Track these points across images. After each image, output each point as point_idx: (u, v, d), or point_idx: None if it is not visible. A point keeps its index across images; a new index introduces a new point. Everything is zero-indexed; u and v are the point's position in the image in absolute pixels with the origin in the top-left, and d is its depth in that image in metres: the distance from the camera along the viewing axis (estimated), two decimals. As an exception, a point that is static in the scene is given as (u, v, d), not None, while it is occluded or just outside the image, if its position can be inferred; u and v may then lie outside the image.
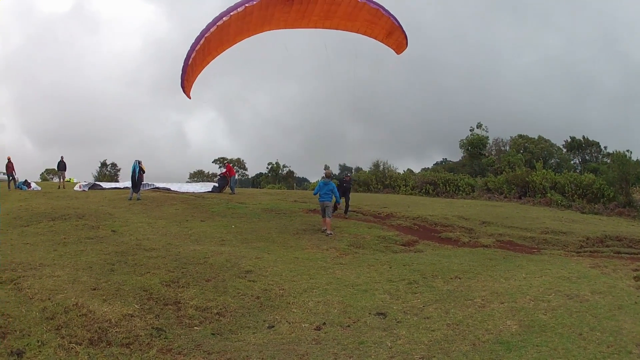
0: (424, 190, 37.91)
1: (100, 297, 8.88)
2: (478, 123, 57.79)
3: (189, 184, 39.31)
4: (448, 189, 37.30)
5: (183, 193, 30.68)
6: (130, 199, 24.61)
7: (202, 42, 15.74)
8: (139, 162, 25.75)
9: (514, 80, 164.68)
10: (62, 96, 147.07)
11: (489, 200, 32.67)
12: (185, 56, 16.05)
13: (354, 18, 17.06)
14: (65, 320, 7.66)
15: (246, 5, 15.33)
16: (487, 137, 57.65)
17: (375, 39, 18.04)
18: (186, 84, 17.01)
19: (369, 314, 8.71)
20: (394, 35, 17.77)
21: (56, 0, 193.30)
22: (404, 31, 17.54)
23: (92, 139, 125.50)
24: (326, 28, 17.52)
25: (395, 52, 18.55)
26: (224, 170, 34.21)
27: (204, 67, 17.32)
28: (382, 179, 41.23)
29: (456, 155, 71.28)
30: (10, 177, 33.17)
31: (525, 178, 33.29)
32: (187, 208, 22.35)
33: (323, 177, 19.59)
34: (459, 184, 37.43)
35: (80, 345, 6.97)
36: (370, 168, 44.83)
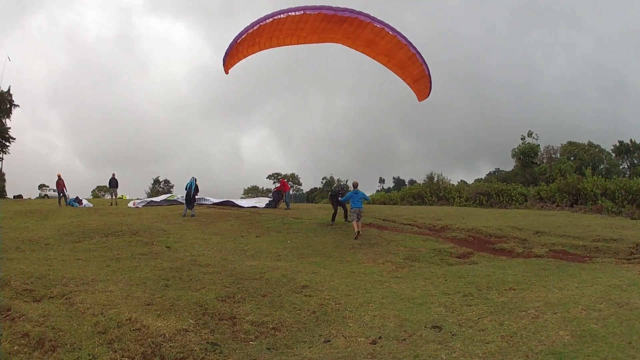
0: (477, 201, 37.56)
1: (155, 312, 8.93)
2: (529, 131, 57.19)
3: (244, 199, 39.41)
4: (501, 199, 36.93)
5: (240, 207, 30.97)
6: (185, 215, 24.81)
7: (255, 28, 16.49)
8: (194, 179, 26.07)
9: (550, 86, 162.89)
10: (111, 120, 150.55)
11: (542, 209, 32.18)
12: (236, 34, 16.77)
13: (392, 55, 17.62)
14: (117, 334, 7.71)
15: (305, 11, 16.08)
16: (538, 145, 56.91)
17: (404, 80, 18.51)
18: (228, 59, 17.68)
19: (425, 327, 8.64)
20: (421, 81, 18.24)
21: (100, 26, 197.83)
22: (430, 80, 18.06)
23: (143, 158, 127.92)
24: (366, 55, 18.00)
25: (418, 98, 19.06)
26: (278, 185, 34.30)
27: (249, 54, 18.00)
28: (436, 191, 40.98)
29: (508, 164, 70.59)
30: (61, 194, 33.57)
31: (576, 185, 32.74)
32: (242, 224, 22.43)
33: (352, 189, 20.50)
34: (512, 194, 37.03)
35: (132, 359, 7.03)
36: (424, 180, 44.70)
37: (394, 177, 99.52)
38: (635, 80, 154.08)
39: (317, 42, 17.91)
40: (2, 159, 50.65)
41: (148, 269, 12.78)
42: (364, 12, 16.67)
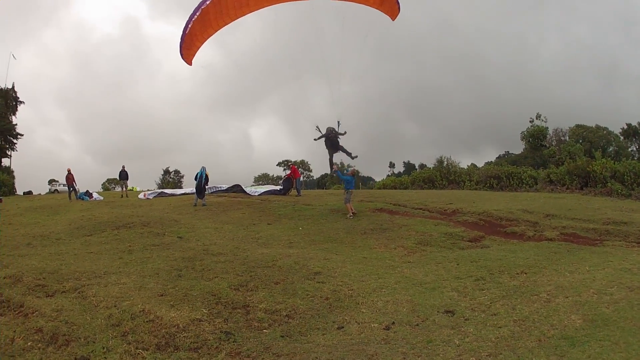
0: (488, 184, 37.38)
1: (168, 303, 9.01)
2: (537, 114, 56.73)
3: (254, 186, 39.55)
4: (512, 182, 36.69)
5: (250, 196, 31.08)
6: (195, 205, 25.02)
7: (198, 13, 16.48)
8: (205, 169, 26.17)
9: (545, 68, 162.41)
10: (119, 117, 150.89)
11: (552, 192, 31.94)
12: (183, 26, 16.82)
13: None
14: (131, 326, 7.78)
15: None
16: (547, 127, 56.58)
17: (372, 5, 18.03)
18: (185, 52, 17.79)
19: (437, 312, 8.67)
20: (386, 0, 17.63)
21: (106, 24, 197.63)
22: None
23: (152, 150, 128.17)
24: None
25: (390, 17, 18.55)
26: (289, 172, 34.28)
27: (205, 39, 17.82)
28: (446, 175, 40.84)
29: (515, 147, 70.40)
30: (71, 188, 33.86)
31: (585, 168, 32.54)
32: (253, 212, 22.60)
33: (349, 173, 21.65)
34: (522, 177, 36.74)
35: (147, 350, 7.06)
36: (434, 164, 44.62)
37: (404, 162, 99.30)
38: (628, 64, 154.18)
39: (271, 4, 17.54)
40: (10, 155, 50.86)
41: (160, 259, 12.86)
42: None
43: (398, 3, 18.06)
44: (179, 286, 10.20)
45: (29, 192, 46.48)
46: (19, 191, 46.39)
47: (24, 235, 17.59)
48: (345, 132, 21.18)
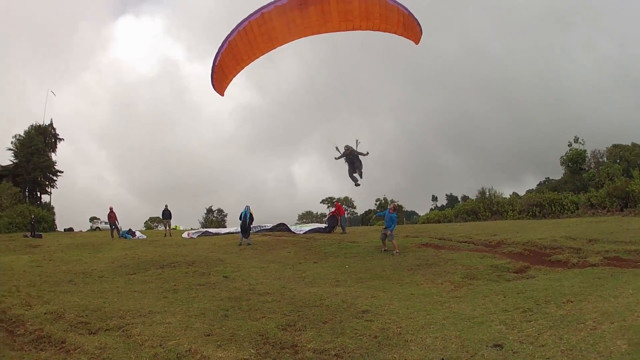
0: (530, 213, 37.10)
1: (215, 343, 9.03)
2: (575, 137, 55.90)
3: (299, 225, 39.54)
4: (554, 209, 36.40)
5: (295, 234, 31.13)
6: (241, 244, 24.95)
7: (226, 46, 16.52)
8: (249, 207, 26.28)
9: (578, 87, 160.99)
10: (160, 158, 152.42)
11: (593, 216, 31.62)
12: (214, 59, 16.96)
13: (370, 14, 16.96)
14: (177, 366, 7.77)
15: (263, 11, 15.90)
16: (585, 150, 55.80)
17: (395, 32, 17.89)
18: (216, 84, 17.88)
19: (486, 346, 8.60)
20: (408, 24, 17.70)
21: (144, 66, 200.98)
22: (415, 18, 17.59)
23: (195, 190, 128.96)
24: (349, 30, 17.36)
25: (414, 42, 18.49)
26: (333, 209, 34.11)
27: (237, 71, 17.81)
28: (489, 206, 40.59)
29: (555, 173, 69.63)
30: (113, 226, 33.89)
31: (624, 188, 32.13)
32: (299, 250, 22.56)
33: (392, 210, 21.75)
34: (564, 203, 36.47)
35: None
36: (477, 196, 44.46)
37: (446, 194, 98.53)
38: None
39: (300, 37, 17.33)
40: (50, 192, 51.47)
41: (206, 299, 12.88)
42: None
43: (419, 26, 18.08)
44: (226, 326, 10.20)
45: (70, 229, 46.95)
46: (60, 228, 46.88)
47: (66, 272, 17.67)
48: (367, 153, 21.06)
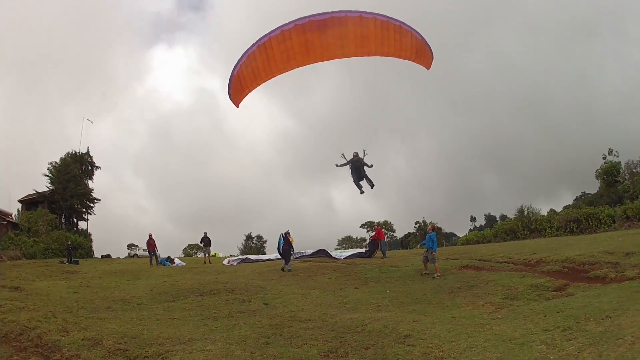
0: (568, 229, 37.04)
1: (257, 371, 8.96)
2: (609, 149, 55.29)
3: (339, 250, 39.48)
4: (590, 223, 36.25)
5: (335, 259, 31.14)
6: (283, 270, 25.00)
7: (245, 59, 17.09)
8: (286, 234, 26.47)
9: (608, 98, 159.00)
10: (199, 186, 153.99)
11: (630, 228, 31.34)
12: (233, 67, 17.50)
13: (385, 39, 17.34)
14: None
15: (283, 29, 16.41)
16: (619, 162, 55.08)
17: (408, 59, 18.35)
18: (232, 95, 18.47)
19: (528, 368, 8.49)
20: (420, 50, 18.18)
21: (180, 96, 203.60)
22: (427, 43, 18.04)
23: (234, 217, 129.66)
24: (364, 55, 17.76)
25: (425, 67, 18.92)
26: (374, 233, 34.03)
27: (255, 86, 18.25)
28: (527, 224, 40.33)
29: (591, 186, 68.88)
30: (152, 253, 33.96)
31: (658, 199, 31.81)
32: (339, 276, 22.60)
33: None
34: (600, 217, 36.34)
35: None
36: (515, 214, 44.18)
37: (484, 214, 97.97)
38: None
39: (318, 60, 17.76)
40: (87, 219, 52.19)
41: (247, 326, 12.90)
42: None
43: (431, 51, 18.49)
44: (267, 353, 10.22)
45: (108, 256, 47.59)
46: (97, 254, 47.58)
47: (103, 299, 17.88)
48: (371, 165, 21.11)
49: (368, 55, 17.75)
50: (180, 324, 13.73)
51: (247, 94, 18.73)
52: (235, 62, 17.57)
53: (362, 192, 21.37)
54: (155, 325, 13.42)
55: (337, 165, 20.94)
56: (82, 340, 10.95)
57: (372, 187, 21.36)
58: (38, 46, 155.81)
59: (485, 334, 11.05)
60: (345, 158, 20.59)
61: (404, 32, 17.38)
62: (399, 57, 18.18)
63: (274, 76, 17.85)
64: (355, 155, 20.88)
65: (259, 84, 18.20)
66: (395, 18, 17.10)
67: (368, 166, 21.20)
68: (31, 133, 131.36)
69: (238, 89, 18.36)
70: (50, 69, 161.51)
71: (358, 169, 21.09)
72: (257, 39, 16.93)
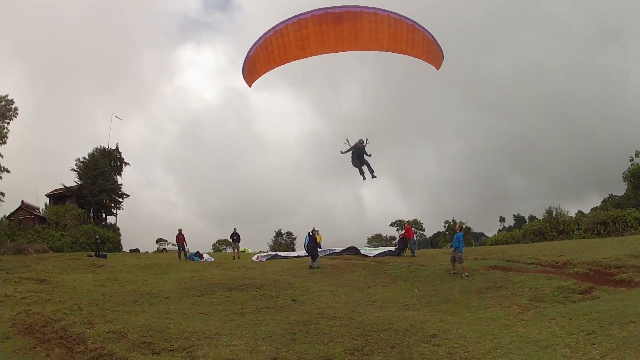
0: (595, 231, 36.61)
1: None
2: (636, 151, 54.59)
3: (369, 248, 39.20)
4: (617, 226, 35.82)
5: (365, 257, 31.16)
6: (312, 267, 25.12)
7: (261, 42, 17.60)
8: (312, 232, 26.80)
9: (635, 99, 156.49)
10: (228, 183, 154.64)
11: (656, 231, 30.98)
12: (249, 49, 18.06)
13: (399, 37, 17.75)
14: (243, 388, 7.89)
15: (300, 17, 16.81)
16: (646, 163, 54.28)
17: (420, 57, 18.73)
18: (246, 75, 19.09)
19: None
20: (431, 49, 18.54)
21: (209, 94, 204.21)
22: (438, 44, 18.46)
23: (263, 214, 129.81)
24: (377, 50, 18.21)
25: (435, 67, 19.30)
26: (403, 232, 34.09)
27: (268, 69, 18.72)
28: (555, 226, 40.02)
29: (619, 189, 68.12)
30: (181, 249, 34.12)
31: (683, 201, 31.49)
32: (368, 274, 22.64)
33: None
34: (627, 220, 35.92)
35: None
36: (544, 215, 43.84)
37: (514, 215, 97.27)
38: None
39: (331, 51, 18.14)
40: (116, 214, 52.39)
41: (274, 322, 13.05)
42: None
43: (442, 52, 18.82)
44: (293, 350, 10.31)
45: (136, 250, 47.69)
46: (125, 248, 47.67)
47: (130, 292, 18.15)
48: (370, 155, 21.07)
49: (381, 50, 18.21)
50: (207, 318, 13.87)
51: (260, 76, 19.24)
52: (252, 44, 18.10)
53: (364, 179, 21.32)
54: (182, 319, 13.59)
55: (342, 152, 20.85)
56: (107, 332, 11.21)
57: (373, 177, 21.36)
58: (69, 47, 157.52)
59: (511, 335, 11.07)
60: (349, 144, 20.55)
61: (417, 32, 17.77)
62: (410, 54, 18.55)
63: (288, 62, 18.29)
64: (361, 142, 20.86)
65: (273, 68, 18.67)
66: (408, 17, 17.51)
67: (367, 155, 21.28)
68: (61, 131, 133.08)
69: (252, 70, 18.88)
70: (81, 70, 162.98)
71: (360, 155, 21.12)
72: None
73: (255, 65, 18.57)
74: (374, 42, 17.70)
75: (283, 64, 18.35)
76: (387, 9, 17.18)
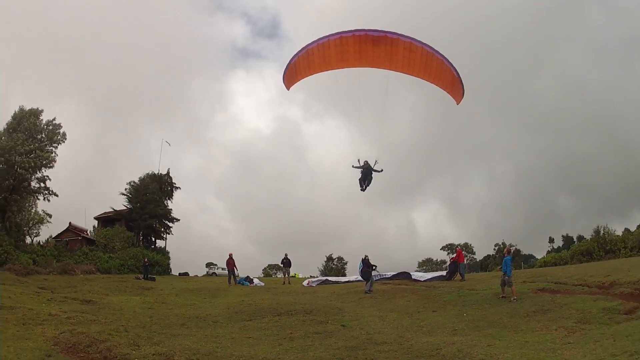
0: (641, 249, 35.90)
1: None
2: (679, 166, 53.86)
3: (420, 272, 39.28)
4: (664, 243, 35.10)
5: (416, 282, 31.07)
6: (368, 292, 25.04)
7: (303, 52, 19.29)
8: (365, 258, 26.76)
9: None
10: (280, 211, 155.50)
11: (701, 247, 30.41)
12: (292, 56, 19.85)
13: (428, 67, 19.08)
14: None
15: (342, 35, 18.42)
16: (691, 177, 53.62)
17: (444, 89, 19.91)
18: (286, 79, 20.91)
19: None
20: (454, 85, 19.67)
21: (262, 124, 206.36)
22: (461, 81, 19.50)
23: (314, 240, 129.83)
24: (409, 74, 19.56)
25: (456, 101, 20.37)
26: (454, 255, 33.86)
27: (308, 75, 20.42)
28: (603, 245, 39.50)
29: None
30: (231, 273, 34.25)
31: None
32: (418, 299, 22.53)
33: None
34: (673, 236, 35.13)
35: None
36: (592, 235, 43.35)
37: (562, 235, 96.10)
38: None
39: (367, 66, 19.46)
40: (166, 238, 53.01)
41: (322, 348, 13.17)
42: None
43: (463, 89, 19.83)
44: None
45: (185, 274, 48.13)
46: (175, 272, 48.30)
47: (178, 316, 18.35)
48: (382, 170, 22.18)
49: (412, 75, 19.62)
50: (255, 343, 14.07)
51: (299, 80, 20.90)
52: (294, 54, 19.82)
53: (362, 190, 22.42)
54: (230, 343, 13.79)
55: (353, 167, 22.09)
56: (153, 355, 11.41)
57: (364, 190, 22.50)
58: (129, 82, 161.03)
59: (556, 359, 11.11)
60: (359, 163, 21.86)
61: (445, 67, 19.02)
62: (437, 85, 19.77)
63: (327, 70, 19.85)
64: (366, 163, 22.04)
65: (312, 74, 20.26)
66: (440, 52, 18.72)
67: (377, 171, 22.27)
68: (118, 162, 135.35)
69: (292, 74, 20.59)
70: (138, 102, 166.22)
71: (367, 174, 22.12)
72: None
73: (296, 71, 20.24)
74: (406, 67, 19.08)
75: (322, 71, 19.88)
76: (423, 41, 18.46)
